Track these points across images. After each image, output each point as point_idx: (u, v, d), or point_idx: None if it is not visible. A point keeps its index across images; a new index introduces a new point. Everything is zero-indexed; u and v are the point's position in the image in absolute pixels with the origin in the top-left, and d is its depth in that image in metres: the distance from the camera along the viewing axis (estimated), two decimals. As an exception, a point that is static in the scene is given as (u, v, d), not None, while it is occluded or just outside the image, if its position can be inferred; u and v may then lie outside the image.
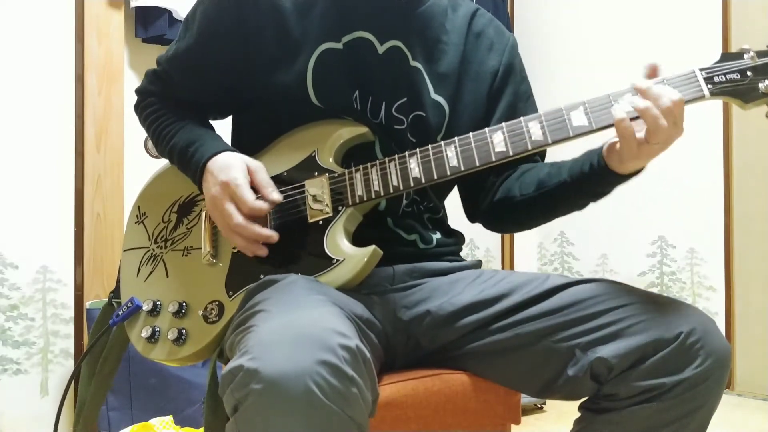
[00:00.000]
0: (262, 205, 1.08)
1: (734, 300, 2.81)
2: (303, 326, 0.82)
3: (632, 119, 0.97)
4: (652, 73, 1.00)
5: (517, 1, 3.61)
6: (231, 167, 1.10)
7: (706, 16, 2.84)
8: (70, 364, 2.24)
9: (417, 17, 1.19)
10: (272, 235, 1.08)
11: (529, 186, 1.17)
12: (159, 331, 1.16)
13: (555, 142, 1.03)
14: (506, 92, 1.24)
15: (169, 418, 2.01)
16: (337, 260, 1.07)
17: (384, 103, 1.15)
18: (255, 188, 1.10)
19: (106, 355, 1.27)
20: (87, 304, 2.19)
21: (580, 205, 1.15)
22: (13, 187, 2.16)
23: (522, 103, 1.25)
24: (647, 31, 3.01)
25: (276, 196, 1.09)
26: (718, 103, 2.79)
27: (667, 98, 0.95)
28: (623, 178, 1.05)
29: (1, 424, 2.11)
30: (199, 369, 2.11)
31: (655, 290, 2.87)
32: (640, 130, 0.98)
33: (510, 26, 3.45)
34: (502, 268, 3.54)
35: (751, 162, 2.77)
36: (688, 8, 2.91)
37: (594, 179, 1.07)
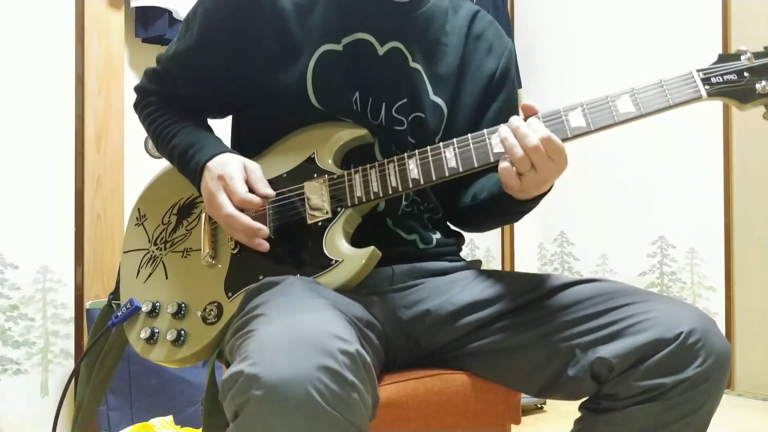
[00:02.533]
0: (253, 198, 1.09)
1: (734, 300, 2.81)
2: (303, 331, 0.82)
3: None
4: (528, 111, 1.03)
5: (517, 3, 3.61)
6: (228, 164, 1.12)
7: (706, 17, 2.84)
8: (70, 364, 2.24)
9: (417, 19, 1.19)
10: (262, 228, 1.08)
11: (469, 194, 1.23)
12: (158, 332, 1.16)
13: None
14: (500, 97, 1.25)
15: (169, 418, 2.02)
16: (336, 261, 1.07)
17: (384, 104, 1.15)
18: (249, 185, 1.11)
19: (104, 356, 1.27)
20: (87, 304, 2.20)
21: (508, 220, 1.23)
22: (14, 187, 2.16)
23: (513, 111, 1.25)
24: (647, 32, 3.01)
25: (268, 191, 1.11)
26: (718, 104, 2.78)
27: (528, 133, 0.99)
28: (524, 201, 1.08)
29: (1, 424, 2.11)
30: (199, 369, 2.11)
31: (655, 290, 2.87)
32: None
33: (510, 28, 3.45)
34: (502, 268, 3.54)
35: (751, 162, 2.77)
36: (688, 9, 2.91)
37: (504, 201, 1.11)
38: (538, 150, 0.98)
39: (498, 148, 1.04)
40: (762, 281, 2.74)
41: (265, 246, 1.09)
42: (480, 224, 1.28)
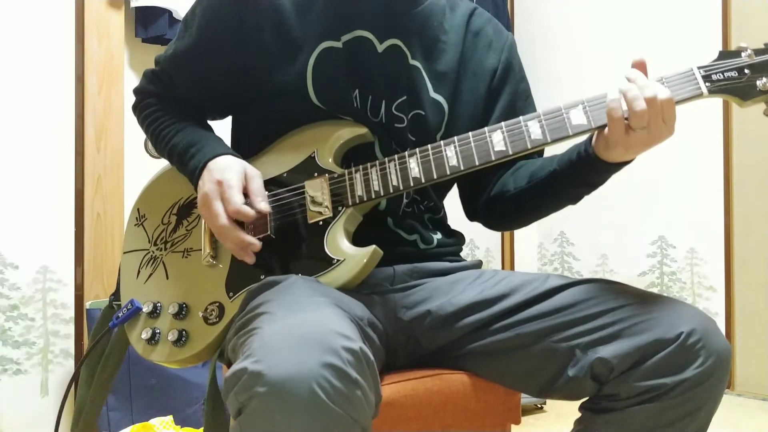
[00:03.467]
0: (247, 210, 1.08)
1: (734, 300, 2.81)
2: (307, 328, 0.82)
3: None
4: (641, 67, 1.01)
5: (517, 1, 3.61)
6: (228, 168, 1.11)
7: (706, 15, 2.84)
8: (70, 365, 2.24)
9: (416, 16, 1.19)
10: (253, 242, 1.08)
11: (522, 179, 1.17)
12: (159, 333, 1.16)
13: (554, 141, 1.03)
14: (505, 91, 1.24)
15: (169, 418, 2.01)
16: (337, 260, 1.07)
17: (384, 101, 1.15)
18: (247, 195, 1.10)
19: (106, 358, 1.27)
20: (87, 304, 2.19)
21: (573, 196, 1.15)
22: (14, 187, 2.16)
23: (521, 102, 1.25)
24: (648, 30, 3.01)
25: (264, 206, 1.09)
26: (718, 103, 2.79)
27: (652, 90, 0.96)
28: (610, 166, 1.05)
29: (1, 424, 2.11)
30: (199, 369, 2.11)
31: (655, 290, 2.87)
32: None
33: (510, 26, 3.45)
34: (502, 268, 3.54)
35: (751, 162, 2.77)
36: (689, 7, 2.91)
37: (582, 167, 1.08)
38: (657, 105, 0.96)
39: (499, 147, 1.04)
40: (762, 281, 2.74)
41: (251, 259, 1.09)
42: (529, 212, 1.22)
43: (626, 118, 0.98)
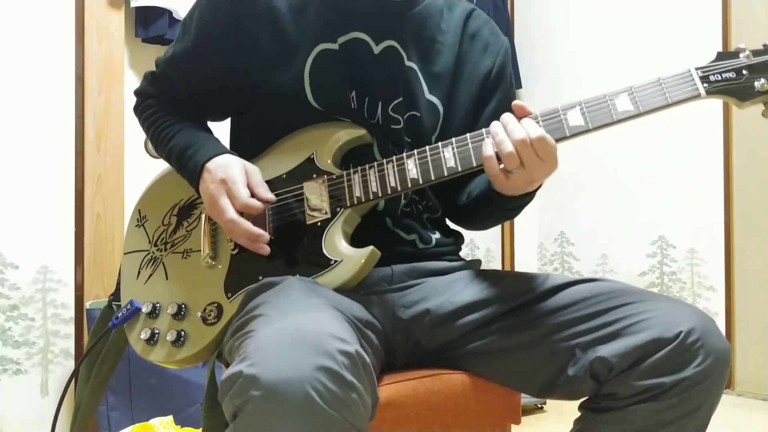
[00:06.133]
0: (254, 203, 1.09)
1: (734, 300, 2.81)
2: (302, 331, 0.82)
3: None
4: (521, 111, 1.03)
5: (517, 2, 3.61)
6: (230, 166, 1.11)
7: (706, 15, 2.84)
8: (70, 365, 2.24)
9: (412, 17, 1.19)
10: (262, 233, 1.09)
11: (465, 192, 1.23)
12: (158, 333, 1.16)
13: None
14: (495, 96, 1.25)
15: (169, 418, 2.01)
16: (335, 261, 1.07)
17: (380, 103, 1.16)
18: (250, 189, 1.11)
19: (103, 357, 1.27)
20: (87, 304, 2.20)
21: (501, 217, 1.23)
22: (14, 187, 2.16)
23: (509, 109, 1.25)
24: (648, 31, 3.01)
25: (269, 195, 1.11)
26: (718, 104, 2.79)
27: (520, 132, 0.99)
28: (516, 198, 1.08)
29: (1, 424, 2.11)
30: (199, 369, 2.11)
31: (655, 290, 2.87)
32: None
33: (510, 26, 3.45)
34: (502, 268, 3.54)
35: (751, 161, 2.77)
36: (689, 7, 2.91)
37: (493, 198, 1.12)
38: (526, 146, 0.98)
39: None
40: (762, 281, 2.74)
41: (267, 250, 1.10)
42: (477, 222, 1.28)
43: (500, 160, 1.00)
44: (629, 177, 3.03)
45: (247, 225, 1.08)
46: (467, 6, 1.28)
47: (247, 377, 0.77)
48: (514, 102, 1.04)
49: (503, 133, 1.00)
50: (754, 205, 2.76)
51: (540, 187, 1.08)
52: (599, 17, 3.24)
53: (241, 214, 1.10)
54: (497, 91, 1.25)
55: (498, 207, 1.16)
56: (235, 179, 1.09)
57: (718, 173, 2.82)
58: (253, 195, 1.10)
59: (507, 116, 1.02)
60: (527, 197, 1.10)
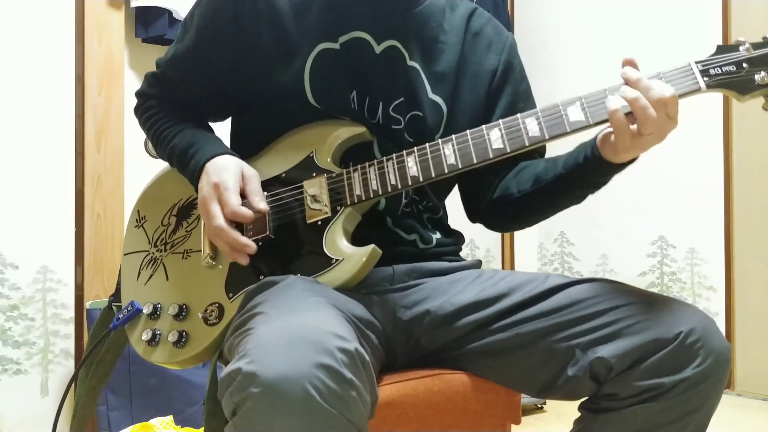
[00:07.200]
0: (245, 211, 1.08)
1: (734, 300, 2.81)
2: (301, 329, 0.82)
3: (626, 114, 0.97)
4: (630, 64, 0.99)
5: (517, 1, 3.61)
6: (225, 170, 1.11)
7: (706, 15, 2.84)
8: (70, 365, 2.24)
9: (414, 17, 1.19)
10: (249, 244, 1.08)
11: (527, 182, 1.17)
12: (159, 334, 1.16)
13: (552, 138, 1.02)
14: (506, 92, 1.24)
15: (169, 418, 2.01)
16: (336, 260, 1.07)
17: (381, 102, 1.15)
18: (245, 196, 1.10)
19: (102, 357, 1.27)
20: (87, 304, 2.19)
21: (578, 197, 1.14)
22: (14, 187, 2.16)
23: (522, 102, 1.25)
24: (648, 31, 3.01)
25: (262, 205, 1.10)
26: (718, 103, 2.79)
27: (658, 91, 0.95)
28: (618, 167, 1.05)
29: (1, 424, 2.11)
30: (199, 369, 2.10)
31: (655, 290, 2.87)
32: (633, 122, 0.97)
33: (510, 26, 3.45)
34: (502, 268, 3.54)
35: (751, 162, 2.77)
36: (689, 7, 2.91)
37: (589, 170, 1.07)
38: (662, 104, 0.94)
39: (497, 144, 1.03)
40: (762, 281, 2.74)
41: (246, 261, 1.09)
42: (534, 215, 1.21)
43: (632, 124, 0.96)
44: (629, 177, 3.01)
45: (234, 234, 1.08)
46: (469, 5, 1.28)
47: (246, 374, 0.77)
48: (628, 59, 0.99)
49: (642, 100, 0.95)
50: (755, 204, 2.76)
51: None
52: (599, 17, 3.24)
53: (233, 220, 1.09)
54: (506, 87, 1.24)
55: (588, 183, 1.10)
56: (228, 185, 1.09)
57: (718, 173, 2.82)
58: (247, 201, 1.10)
59: (633, 73, 0.97)
60: (628, 165, 1.05)
